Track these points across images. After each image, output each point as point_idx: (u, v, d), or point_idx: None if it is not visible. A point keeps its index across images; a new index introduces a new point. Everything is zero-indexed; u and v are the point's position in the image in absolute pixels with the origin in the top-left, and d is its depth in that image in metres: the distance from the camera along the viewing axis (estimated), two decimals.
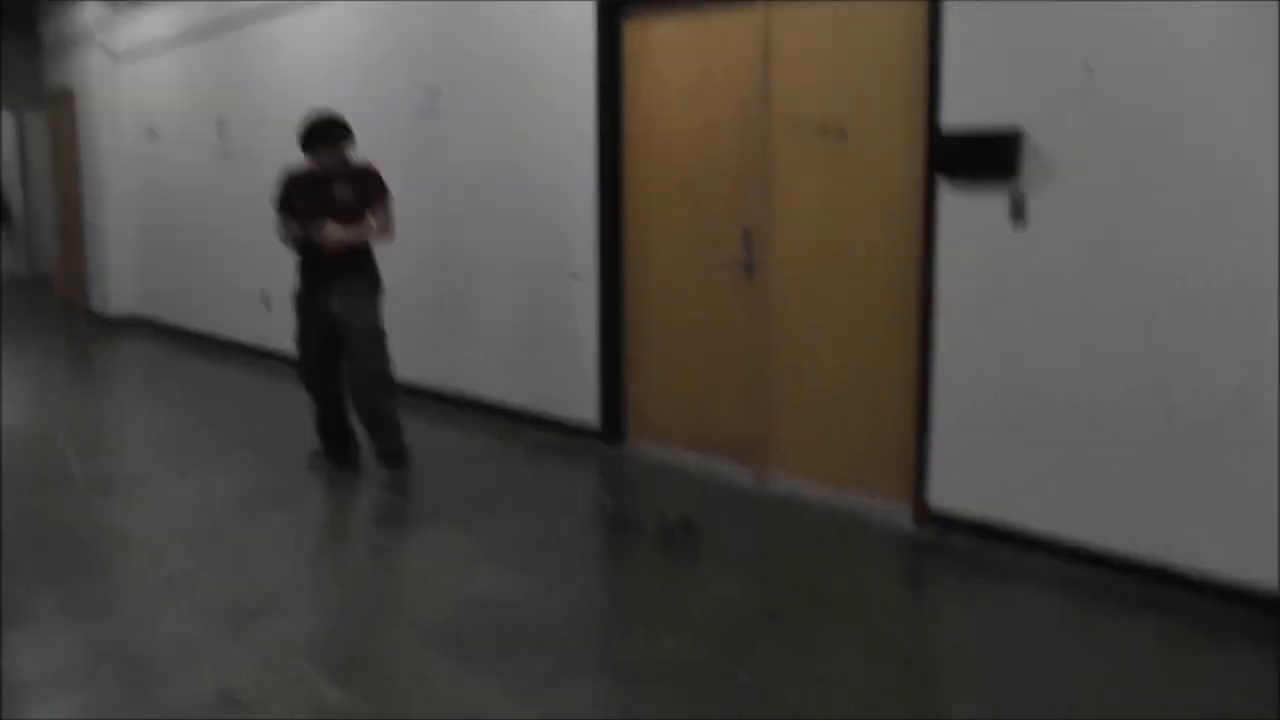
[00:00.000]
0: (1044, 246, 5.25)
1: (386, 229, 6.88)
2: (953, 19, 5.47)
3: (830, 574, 5.38)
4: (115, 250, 13.79)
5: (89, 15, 13.74)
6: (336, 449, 7.21)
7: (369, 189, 6.84)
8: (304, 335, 6.95)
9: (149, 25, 12.93)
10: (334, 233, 6.63)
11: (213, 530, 6.05)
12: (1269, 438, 4.65)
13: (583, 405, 7.70)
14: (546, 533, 5.96)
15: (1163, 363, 4.92)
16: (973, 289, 5.52)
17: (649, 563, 5.58)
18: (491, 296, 8.33)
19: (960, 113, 5.47)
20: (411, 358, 9.01)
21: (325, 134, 6.71)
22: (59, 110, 15.17)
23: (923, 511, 5.84)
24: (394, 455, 6.92)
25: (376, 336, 6.81)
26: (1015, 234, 5.32)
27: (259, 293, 10.80)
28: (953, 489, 5.72)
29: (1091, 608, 4.92)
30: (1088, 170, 5.07)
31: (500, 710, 4.04)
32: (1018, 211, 5.29)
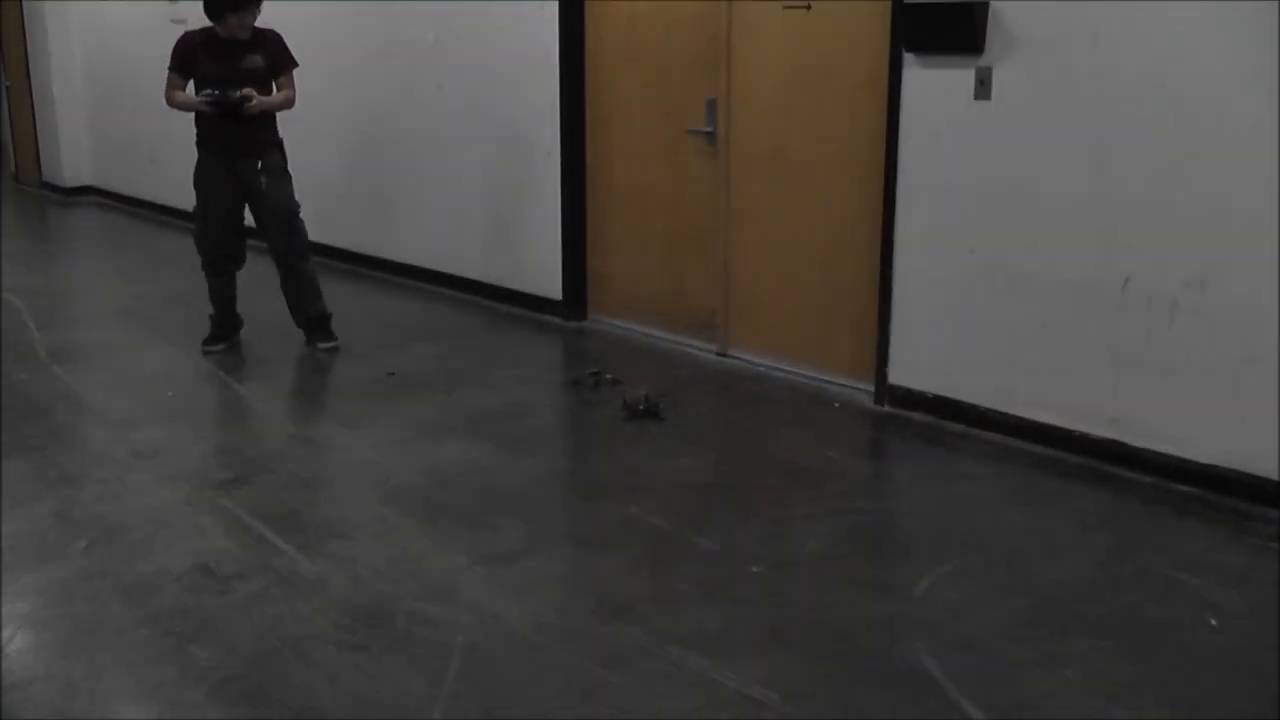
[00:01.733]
0: (1007, 120, 5.26)
1: (292, 99, 6.83)
2: None
3: (792, 447, 5.45)
4: (65, 119, 13.51)
5: None
6: (228, 329, 7.12)
7: (279, 58, 6.75)
8: (213, 207, 6.83)
9: None
10: (262, 101, 6.58)
11: (180, 401, 6.08)
12: (1224, 319, 4.73)
13: (545, 278, 7.71)
14: (512, 404, 6.02)
15: (1121, 241, 4.97)
16: (935, 164, 5.53)
17: (615, 434, 5.66)
18: (454, 168, 8.27)
19: None
20: (371, 229, 9.00)
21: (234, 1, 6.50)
22: None
23: (883, 387, 5.91)
24: (322, 319, 7.03)
25: (297, 213, 6.87)
26: (978, 107, 5.33)
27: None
28: (913, 366, 5.79)
29: (1043, 481, 5.04)
30: (1053, 43, 5.06)
31: (469, 579, 4.12)
32: (982, 84, 5.29)
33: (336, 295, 7.32)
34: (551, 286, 7.68)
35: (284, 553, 4.31)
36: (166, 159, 11.51)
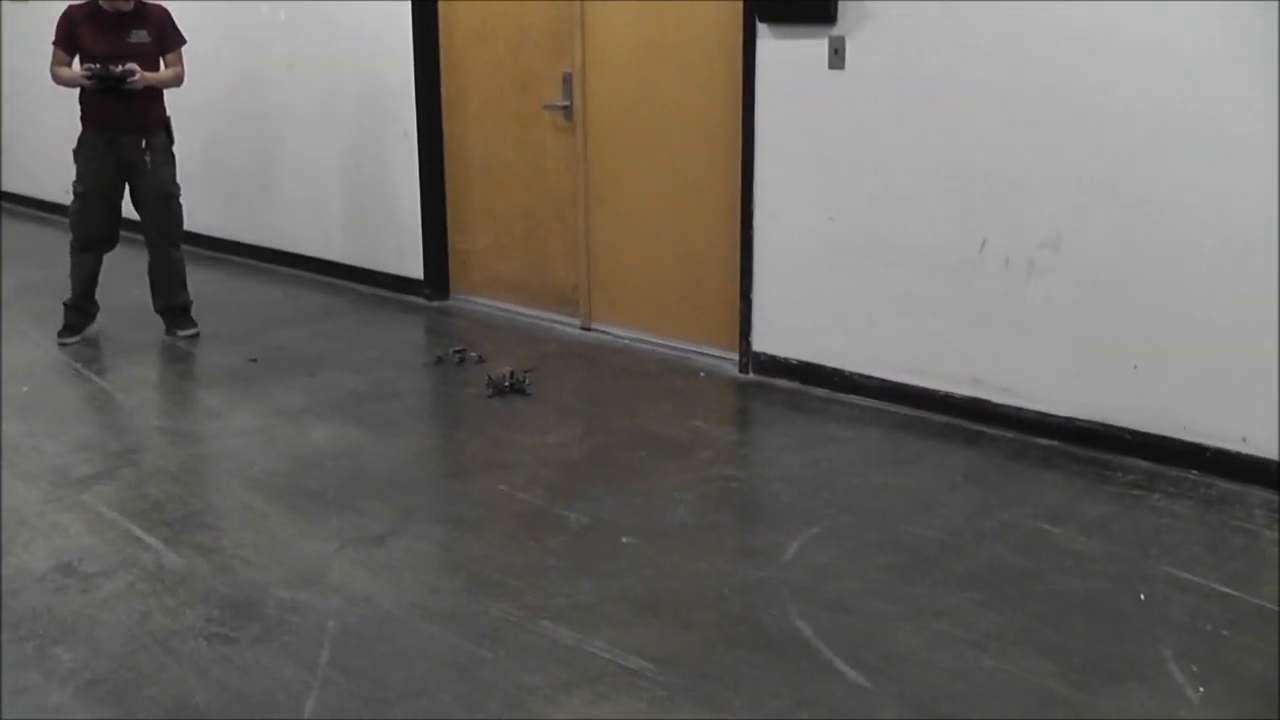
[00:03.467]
0: (861, 89, 5.32)
1: (181, 77, 6.71)
2: None
3: (659, 418, 5.48)
4: None
5: None
6: (83, 316, 6.92)
7: (166, 34, 6.61)
8: (93, 185, 6.64)
9: None
10: (147, 76, 6.43)
11: (36, 395, 5.92)
12: (1079, 277, 4.85)
13: (406, 258, 7.64)
14: (376, 385, 5.98)
15: (977, 204, 5.06)
16: (792, 133, 5.58)
17: (481, 412, 5.64)
18: (311, 148, 8.15)
19: None
20: (229, 213, 8.85)
21: None
22: None
23: (748, 355, 5.96)
24: (183, 310, 6.94)
25: (176, 196, 6.77)
26: (833, 77, 5.39)
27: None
28: (776, 333, 5.85)
29: (909, 442, 5.14)
30: (903, 13, 5.13)
31: (339, 563, 4.09)
32: (836, 54, 5.34)
33: (197, 281, 7.16)
34: (413, 266, 7.61)
35: (149, 547, 4.23)
36: (16, 145, 11.23)
